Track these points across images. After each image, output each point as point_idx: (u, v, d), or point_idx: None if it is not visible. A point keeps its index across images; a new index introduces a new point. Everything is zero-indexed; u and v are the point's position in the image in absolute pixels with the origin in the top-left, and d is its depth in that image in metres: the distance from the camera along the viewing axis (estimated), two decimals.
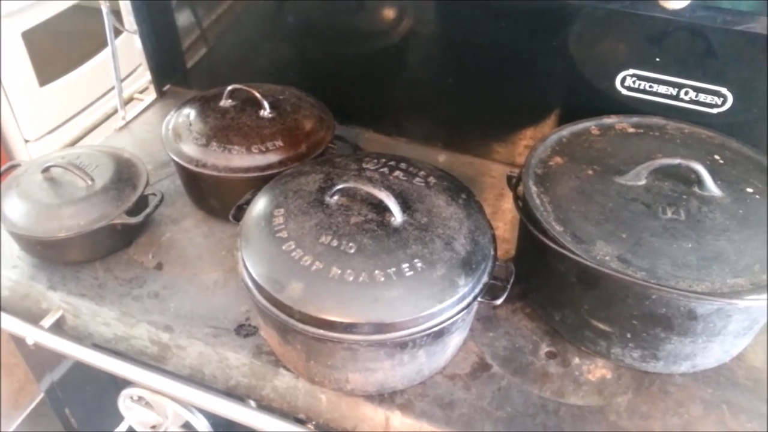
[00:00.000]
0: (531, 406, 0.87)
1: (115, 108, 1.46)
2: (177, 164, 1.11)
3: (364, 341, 0.76)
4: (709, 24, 0.99)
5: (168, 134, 1.13)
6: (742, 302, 0.78)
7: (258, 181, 0.98)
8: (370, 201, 0.86)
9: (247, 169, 1.06)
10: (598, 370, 0.92)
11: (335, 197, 0.87)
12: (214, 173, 1.06)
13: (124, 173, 1.09)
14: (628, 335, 0.86)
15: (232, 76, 1.20)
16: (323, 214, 0.85)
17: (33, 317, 1.04)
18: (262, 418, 0.92)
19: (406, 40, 1.27)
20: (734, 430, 0.84)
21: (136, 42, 1.42)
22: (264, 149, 1.07)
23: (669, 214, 0.86)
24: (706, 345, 0.85)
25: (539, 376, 0.91)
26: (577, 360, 0.93)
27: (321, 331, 0.76)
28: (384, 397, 0.88)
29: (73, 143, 1.42)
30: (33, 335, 1.02)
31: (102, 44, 2.40)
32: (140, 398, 1.09)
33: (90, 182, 1.04)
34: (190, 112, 1.15)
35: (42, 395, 1.76)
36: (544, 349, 0.95)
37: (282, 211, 0.86)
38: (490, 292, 0.82)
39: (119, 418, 1.16)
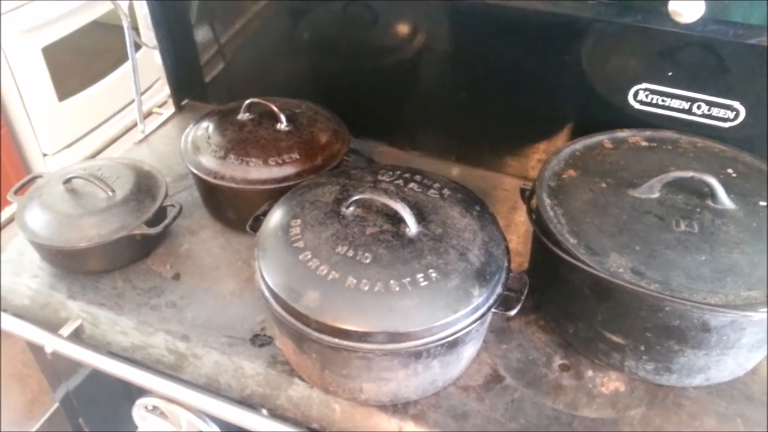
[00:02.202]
0: (544, 418, 0.87)
1: (133, 122, 1.49)
2: (195, 176, 1.13)
3: (378, 350, 0.77)
4: (720, 38, 1.00)
5: (187, 147, 1.15)
6: (756, 315, 0.78)
7: (275, 193, 0.99)
8: (385, 212, 0.87)
9: (264, 181, 1.07)
10: (611, 382, 0.92)
11: (351, 208, 0.88)
12: (232, 185, 1.08)
13: (144, 185, 1.11)
14: (642, 348, 0.86)
15: (250, 90, 1.22)
16: (339, 224, 0.86)
17: (52, 326, 1.05)
18: (277, 428, 0.92)
19: (419, 55, 1.29)
20: None
21: (155, 57, 1.45)
22: (281, 162, 1.09)
23: (682, 227, 0.87)
24: (719, 358, 0.85)
25: (552, 388, 0.91)
26: (590, 373, 0.93)
27: (336, 340, 0.77)
28: (397, 408, 0.88)
29: (94, 156, 1.44)
30: (52, 344, 1.03)
31: (119, 60, 2.46)
32: (155, 408, 1.10)
33: (111, 193, 1.06)
34: (208, 125, 1.17)
35: (56, 405, 1.77)
36: (558, 361, 0.95)
37: (299, 221, 0.87)
38: (504, 303, 0.83)
39: (133, 429, 1.17)
